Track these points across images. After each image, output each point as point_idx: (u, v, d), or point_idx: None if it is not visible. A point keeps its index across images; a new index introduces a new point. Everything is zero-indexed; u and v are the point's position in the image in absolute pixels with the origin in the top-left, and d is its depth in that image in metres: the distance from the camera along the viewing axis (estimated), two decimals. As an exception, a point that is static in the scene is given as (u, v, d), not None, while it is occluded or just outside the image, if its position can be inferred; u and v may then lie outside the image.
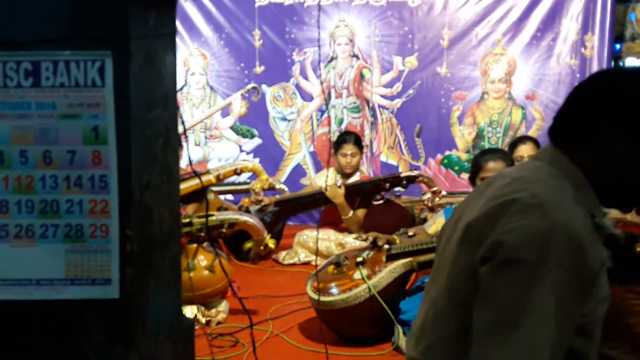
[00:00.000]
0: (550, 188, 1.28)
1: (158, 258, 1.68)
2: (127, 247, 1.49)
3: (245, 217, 3.34)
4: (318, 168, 6.17)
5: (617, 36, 6.04)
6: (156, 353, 1.68)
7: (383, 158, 6.21)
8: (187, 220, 3.23)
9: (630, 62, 6.44)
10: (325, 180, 4.70)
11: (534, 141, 4.39)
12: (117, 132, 1.44)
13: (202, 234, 3.20)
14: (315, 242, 4.77)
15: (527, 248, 1.19)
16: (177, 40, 6.48)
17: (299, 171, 6.39)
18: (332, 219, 5.08)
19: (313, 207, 5.06)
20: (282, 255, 4.87)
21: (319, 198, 4.96)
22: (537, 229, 1.20)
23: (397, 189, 5.57)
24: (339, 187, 4.74)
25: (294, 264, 4.73)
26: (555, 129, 1.39)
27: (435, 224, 3.36)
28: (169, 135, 1.71)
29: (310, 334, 3.25)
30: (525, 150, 4.29)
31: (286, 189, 5.52)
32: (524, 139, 4.44)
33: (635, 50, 5.97)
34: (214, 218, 3.27)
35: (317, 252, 4.47)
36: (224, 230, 3.24)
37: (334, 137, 5.46)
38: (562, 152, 1.35)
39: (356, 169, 4.98)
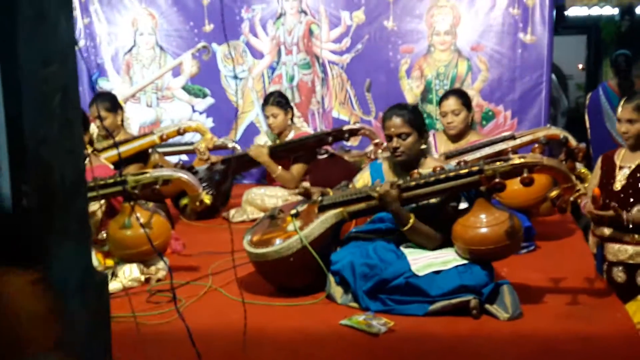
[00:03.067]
0: None
1: (61, 213, 1.70)
2: (23, 203, 1.51)
3: (179, 174, 3.35)
4: (271, 126, 6.17)
5: (561, -16, 6.10)
6: (64, 308, 1.72)
7: (335, 114, 6.22)
8: (121, 178, 3.25)
9: (574, 11, 6.50)
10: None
11: (459, 94, 4.42)
12: (7, 88, 1.45)
13: (137, 192, 3.23)
14: (262, 199, 4.82)
15: None
16: (125, 0, 6.40)
17: (252, 129, 6.38)
18: (271, 177, 5.12)
19: (257, 164, 5.09)
20: (231, 213, 4.90)
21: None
22: None
23: (348, 143, 5.64)
24: (262, 146, 4.79)
25: (243, 222, 4.78)
26: None
27: (362, 177, 3.39)
28: (67, 91, 1.72)
29: (249, 287, 3.29)
30: (447, 106, 4.34)
31: (238, 147, 5.53)
32: (447, 94, 4.46)
33: (579, -1, 6.04)
34: (147, 175, 3.27)
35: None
36: (157, 186, 3.26)
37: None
38: None
39: (283, 128, 4.95)
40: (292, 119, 5.03)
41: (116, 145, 3.87)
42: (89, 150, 3.63)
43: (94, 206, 3.47)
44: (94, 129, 4.27)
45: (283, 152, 4.84)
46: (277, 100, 4.93)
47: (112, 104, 4.63)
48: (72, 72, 1.77)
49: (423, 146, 3.27)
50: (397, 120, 3.19)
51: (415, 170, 3.12)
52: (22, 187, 1.52)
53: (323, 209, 3.18)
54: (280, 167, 4.81)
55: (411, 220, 3.04)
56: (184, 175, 3.40)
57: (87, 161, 3.49)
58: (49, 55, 1.62)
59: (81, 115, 1.84)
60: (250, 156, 4.79)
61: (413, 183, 3.00)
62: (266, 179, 5.21)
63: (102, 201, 3.47)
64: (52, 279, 1.63)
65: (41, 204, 1.54)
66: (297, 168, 4.85)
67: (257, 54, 6.29)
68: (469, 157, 3.95)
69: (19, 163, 1.51)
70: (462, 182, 2.93)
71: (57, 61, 1.68)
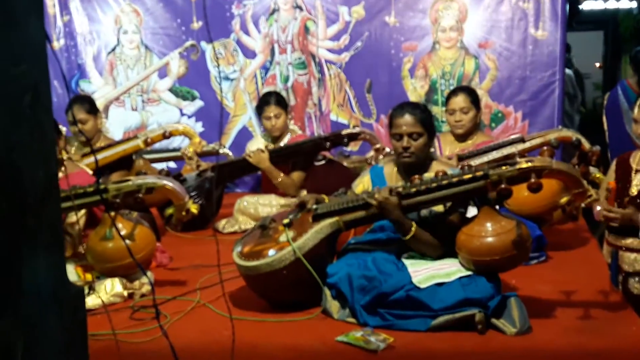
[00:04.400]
0: None
1: (32, 221, 1.71)
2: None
3: (164, 181, 3.36)
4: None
5: (575, -24, 6.13)
6: (36, 322, 1.73)
7: (333, 117, 6.25)
8: (102, 186, 3.27)
9: (589, 5, 6.53)
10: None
11: (468, 92, 4.46)
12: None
13: (118, 201, 3.25)
14: (256, 208, 4.84)
15: None
16: (107, -4, 6.44)
17: (245, 134, 6.40)
18: (268, 186, 5.13)
19: (251, 171, 5.10)
20: (222, 224, 4.91)
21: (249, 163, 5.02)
22: None
23: (347, 148, 5.66)
24: (263, 151, 4.80)
25: (234, 233, 4.79)
26: None
27: (362, 182, 3.40)
28: (38, 92, 1.74)
29: (239, 303, 3.30)
30: (456, 103, 4.37)
31: (230, 153, 5.55)
32: (456, 90, 4.50)
33: (594, -8, 6.07)
34: (130, 183, 3.29)
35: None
36: (140, 195, 3.28)
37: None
38: None
39: (283, 130, 4.99)
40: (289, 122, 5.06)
41: (93, 152, 3.88)
42: (64, 156, 3.65)
43: (74, 217, 3.49)
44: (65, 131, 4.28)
45: (281, 157, 4.84)
46: (278, 99, 4.95)
47: (92, 106, 4.67)
48: (44, 72, 1.79)
49: (431, 149, 3.30)
50: (409, 119, 3.20)
51: (417, 176, 3.13)
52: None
53: (318, 218, 3.19)
54: (282, 174, 4.82)
55: (413, 229, 3.06)
56: (169, 183, 3.42)
57: (62, 168, 3.55)
58: (18, 54, 1.64)
59: (53, 118, 1.86)
60: (251, 163, 4.78)
61: (414, 189, 3.02)
62: (261, 187, 5.22)
63: (83, 211, 3.48)
64: (23, 292, 1.64)
65: (10, 211, 1.56)
66: (296, 175, 4.87)
67: (249, 53, 6.33)
68: (473, 161, 3.96)
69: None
70: (465, 188, 2.95)
71: (27, 60, 1.70)
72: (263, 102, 5.00)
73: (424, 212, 3.15)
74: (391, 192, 3.04)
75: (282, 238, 3.17)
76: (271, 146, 4.95)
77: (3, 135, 1.57)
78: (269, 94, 5.14)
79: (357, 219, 3.16)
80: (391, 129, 3.28)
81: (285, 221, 3.24)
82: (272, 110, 4.91)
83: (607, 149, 5.29)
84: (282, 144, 4.94)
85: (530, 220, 3.72)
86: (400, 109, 3.29)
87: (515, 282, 3.35)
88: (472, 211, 3.09)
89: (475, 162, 3.96)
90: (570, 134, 4.24)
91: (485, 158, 4.11)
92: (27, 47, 1.68)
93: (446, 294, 2.87)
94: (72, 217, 3.49)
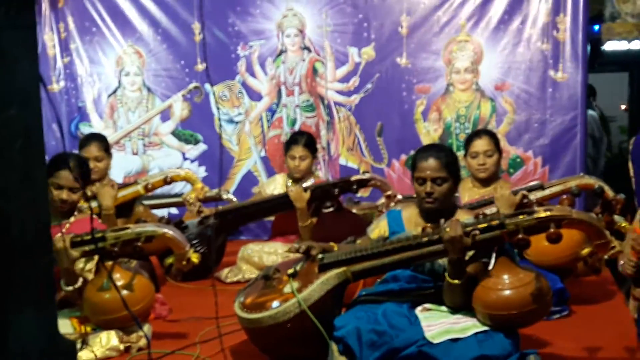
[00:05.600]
0: None
1: (21, 273, 1.72)
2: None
3: (164, 229, 3.38)
4: (270, 174, 6.21)
5: (596, 16, 6.17)
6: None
7: (342, 161, 6.29)
8: (99, 235, 3.28)
9: (611, 45, 6.57)
10: (286, 187, 4.74)
11: (491, 135, 4.48)
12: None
13: (116, 249, 3.26)
14: (260, 256, 4.84)
15: None
16: (109, 37, 6.54)
17: (249, 179, 6.45)
18: (281, 230, 5.14)
19: (259, 217, 5.11)
20: (224, 273, 4.91)
21: (267, 206, 5.02)
22: None
23: (357, 194, 5.65)
24: (305, 190, 4.80)
25: (237, 282, 4.78)
26: None
27: (378, 227, 3.40)
28: (29, 137, 1.76)
29: (240, 358, 3.30)
30: (480, 146, 4.37)
31: (234, 199, 5.57)
32: (479, 132, 4.52)
33: (616, 32, 6.09)
34: (129, 231, 3.31)
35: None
36: (139, 243, 3.29)
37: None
38: None
39: (306, 173, 5.01)
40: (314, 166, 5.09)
41: (87, 199, 3.89)
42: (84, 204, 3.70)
43: (82, 264, 3.48)
44: None
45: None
46: (307, 141, 5.00)
47: (107, 145, 4.73)
48: (36, 115, 1.81)
49: (456, 194, 3.28)
50: (433, 163, 3.19)
51: (429, 225, 3.11)
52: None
53: (324, 268, 3.18)
54: (313, 219, 4.82)
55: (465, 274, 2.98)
56: (169, 231, 3.43)
57: (76, 214, 3.58)
58: (7, 99, 1.66)
59: (45, 163, 1.87)
60: (290, 198, 4.77)
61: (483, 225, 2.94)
62: (272, 231, 5.22)
63: (96, 257, 3.47)
64: (8, 353, 1.63)
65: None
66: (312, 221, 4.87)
67: (255, 95, 6.41)
68: (489, 210, 3.95)
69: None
70: (480, 237, 2.93)
71: (17, 103, 1.72)
72: (292, 141, 5.06)
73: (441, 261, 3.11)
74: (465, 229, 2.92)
75: (287, 289, 3.17)
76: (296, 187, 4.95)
77: (-7, 183, 1.58)
78: (300, 133, 5.24)
79: (366, 270, 3.15)
80: (414, 172, 3.26)
81: (290, 271, 3.24)
82: (299, 151, 4.96)
83: (634, 196, 5.26)
84: (304, 185, 4.91)
85: (552, 272, 3.70)
86: (425, 151, 3.29)
87: (536, 339, 3.31)
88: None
89: (489, 210, 3.94)
90: (593, 181, 4.23)
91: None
92: (18, 91, 1.71)
93: (461, 351, 2.84)
94: (80, 264, 3.48)
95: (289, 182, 5.09)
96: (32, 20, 1.78)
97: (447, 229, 2.93)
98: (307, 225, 4.80)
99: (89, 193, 4.39)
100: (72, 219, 3.67)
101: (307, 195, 4.76)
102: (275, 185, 5.21)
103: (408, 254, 3.06)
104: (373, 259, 3.14)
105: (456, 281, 2.97)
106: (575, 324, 3.73)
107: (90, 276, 3.48)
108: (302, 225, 4.81)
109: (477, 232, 2.91)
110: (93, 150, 4.58)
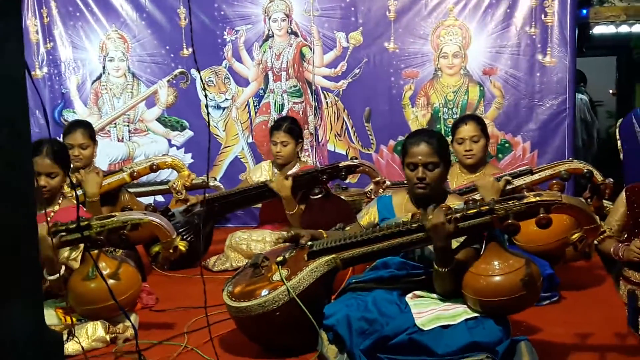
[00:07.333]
0: None
1: (7, 263, 1.70)
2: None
3: (150, 217, 3.35)
4: (258, 161, 6.18)
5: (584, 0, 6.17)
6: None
7: (330, 147, 6.27)
8: (84, 223, 3.25)
9: (599, 29, 6.58)
10: (270, 174, 4.72)
11: (477, 120, 4.47)
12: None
13: (102, 238, 3.23)
14: (248, 244, 4.82)
15: None
16: (93, 22, 6.48)
17: (237, 165, 6.43)
18: (269, 217, 5.12)
19: (245, 205, 5.09)
20: (212, 261, 4.90)
21: (252, 195, 4.99)
22: None
23: (346, 181, 5.64)
24: (287, 178, 4.77)
25: (225, 271, 4.77)
26: None
27: (369, 213, 3.38)
28: (15, 125, 1.74)
29: (229, 347, 3.28)
30: (466, 131, 4.37)
31: (222, 186, 5.56)
32: (465, 118, 4.51)
33: (604, 15, 6.11)
34: (115, 219, 3.28)
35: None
36: (125, 232, 3.26)
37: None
38: None
39: (290, 159, 4.97)
40: (299, 152, 5.05)
41: (74, 187, 3.86)
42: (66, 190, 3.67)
43: (67, 252, 3.45)
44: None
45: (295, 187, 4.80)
46: (289, 127, 4.94)
47: (93, 132, 4.69)
48: (21, 103, 1.78)
49: (447, 180, 3.27)
50: (425, 148, 3.17)
51: (418, 211, 3.11)
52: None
53: (313, 255, 3.17)
54: (300, 206, 4.81)
55: (454, 261, 2.97)
56: (156, 219, 3.41)
57: (60, 202, 3.55)
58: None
59: (31, 153, 1.85)
60: (272, 188, 4.74)
61: (472, 211, 2.91)
62: (260, 219, 5.21)
63: (81, 246, 3.43)
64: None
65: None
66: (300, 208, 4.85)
67: (242, 81, 6.37)
68: (478, 195, 3.95)
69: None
70: (470, 223, 2.92)
71: (1, 94, 1.69)
72: (274, 126, 5.03)
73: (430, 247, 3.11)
74: (447, 215, 2.92)
75: (276, 277, 3.15)
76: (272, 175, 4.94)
77: (-22, 172, 1.56)
78: (283, 118, 5.22)
79: (356, 257, 3.14)
80: (405, 157, 3.24)
81: (279, 259, 3.23)
82: (280, 136, 4.92)
83: (623, 180, 5.28)
84: (289, 173, 4.88)
85: (541, 258, 3.71)
86: (416, 137, 3.26)
87: (526, 325, 3.32)
88: None
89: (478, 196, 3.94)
90: (582, 165, 4.24)
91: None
92: (3, 79, 1.68)
93: (451, 338, 2.84)
94: (65, 252, 3.45)
95: (275, 170, 5.07)
96: (16, 10, 1.76)
97: (430, 217, 2.93)
98: (294, 212, 4.78)
99: (74, 180, 4.36)
100: (56, 207, 3.64)
101: (289, 183, 4.72)
102: (262, 172, 5.17)
103: (397, 241, 3.05)
104: (362, 246, 3.13)
105: (444, 269, 2.97)
106: (565, 310, 3.74)
107: (75, 265, 3.45)
108: (290, 213, 4.79)
109: (458, 216, 2.90)
110: (78, 137, 4.53)
